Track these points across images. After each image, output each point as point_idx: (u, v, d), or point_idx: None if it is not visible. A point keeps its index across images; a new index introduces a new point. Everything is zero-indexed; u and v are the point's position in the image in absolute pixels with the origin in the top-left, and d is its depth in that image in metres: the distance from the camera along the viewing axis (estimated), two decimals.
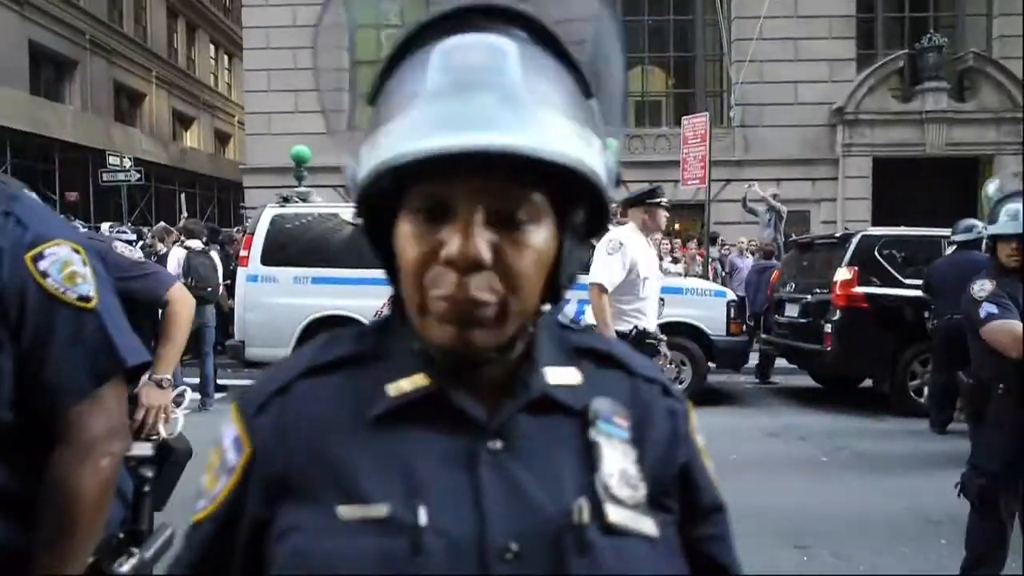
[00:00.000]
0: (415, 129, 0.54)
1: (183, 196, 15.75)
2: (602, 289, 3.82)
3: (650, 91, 15.96)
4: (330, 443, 0.61)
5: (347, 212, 7.03)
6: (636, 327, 3.90)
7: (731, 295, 7.64)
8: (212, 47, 28.54)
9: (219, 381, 7.11)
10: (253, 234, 6.76)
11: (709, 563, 0.69)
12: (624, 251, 3.88)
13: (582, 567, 0.57)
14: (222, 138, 29.17)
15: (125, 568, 1.14)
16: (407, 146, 0.54)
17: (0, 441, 1.03)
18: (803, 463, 5.27)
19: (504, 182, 0.56)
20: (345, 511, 0.57)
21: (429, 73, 0.57)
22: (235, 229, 11.72)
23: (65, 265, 1.07)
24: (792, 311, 7.52)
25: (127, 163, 13.74)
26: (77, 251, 1.10)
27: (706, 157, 10.87)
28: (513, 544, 0.57)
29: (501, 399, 0.62)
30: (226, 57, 29.41)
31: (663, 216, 4.16)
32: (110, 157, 13.87)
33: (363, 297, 6.48)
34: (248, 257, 6.68)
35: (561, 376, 0.65)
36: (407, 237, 0.58)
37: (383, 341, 0.66)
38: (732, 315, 7.22)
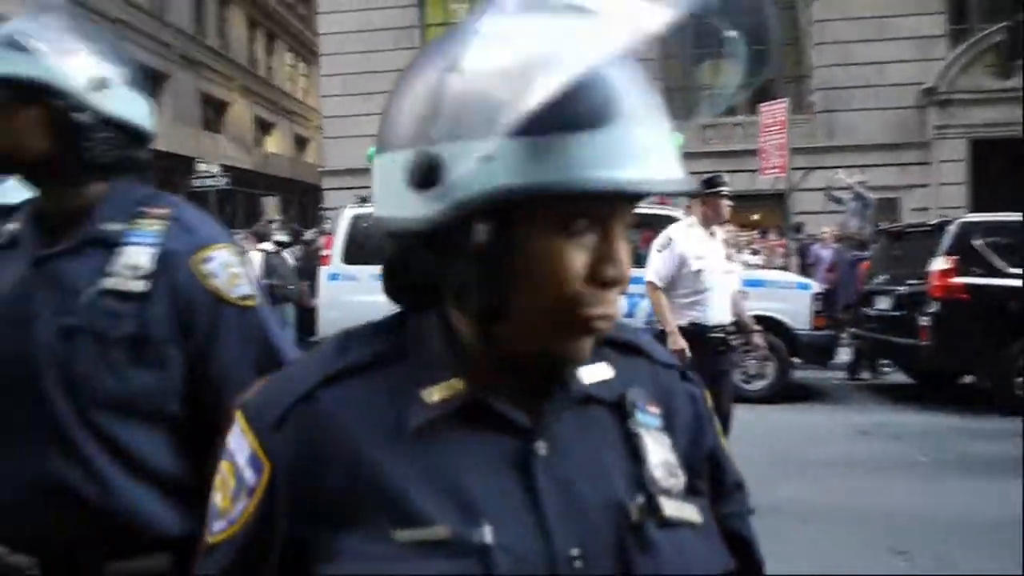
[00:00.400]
0: (605, 155, 0.51)
1: (270, 199, 16.40)
2: (654, 286, 3.96)
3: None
4: (369, 458, 0.56)
5: None
6: (693, 321, 3.90)
7: (816, 287, 7.35)
8: (290, 55, 29.63)
9: None
10: (334, 234, 6.98)
11: (736, 539, 0.70)
12: (672, 247, 3.97)
13: (646, 565, 0.57)
14: (301, 142, 30.24)
15: None
16: (601, 173, 0.51)
17: (171, 433, 1.11)
18: (899, 463, 5.01)
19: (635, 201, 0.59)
20: (403, 535, 0.54)
21: (586, 92, 0.51)
22: (313, 230, 12.13)
23: (228, 267, 1.15)
24: (883, 303, 7.17)
25: (214, 169, 14.43)
26: (235, 254, 1.19)
27: (785, 145, 10.49)
28: (577, 550, 0.56)
29: (540, 400, 0.60)
30: (303, 64, 30.46)
31: (725, 206, 4.10)
32: (199, 164, 14.60)
33: None
34: (329, 256, 6.91)
35: (594, 373, 0.64)
36: (558, 252, 0.54)
37: (400, 340, 0.62)
38: (817, 308, 6.95)
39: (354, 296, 6.69)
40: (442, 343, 0.60)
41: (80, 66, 1.08)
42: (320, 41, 15.01)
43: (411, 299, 0.63)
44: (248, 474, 0.59)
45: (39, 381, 1.03)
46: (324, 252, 7.13)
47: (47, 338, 1.05)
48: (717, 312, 3.96)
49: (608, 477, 0.60)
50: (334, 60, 14.45)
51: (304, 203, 25.20)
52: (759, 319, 6.53)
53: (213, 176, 14.46)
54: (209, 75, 21.22)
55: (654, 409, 0.65)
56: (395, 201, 0.57)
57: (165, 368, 1.09)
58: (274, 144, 27.70)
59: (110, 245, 1.10)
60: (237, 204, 19.14)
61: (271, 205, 16.55)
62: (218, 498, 0.62)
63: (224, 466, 0.62)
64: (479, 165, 0.51)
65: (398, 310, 0.65)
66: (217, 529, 0.61)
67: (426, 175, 0.53)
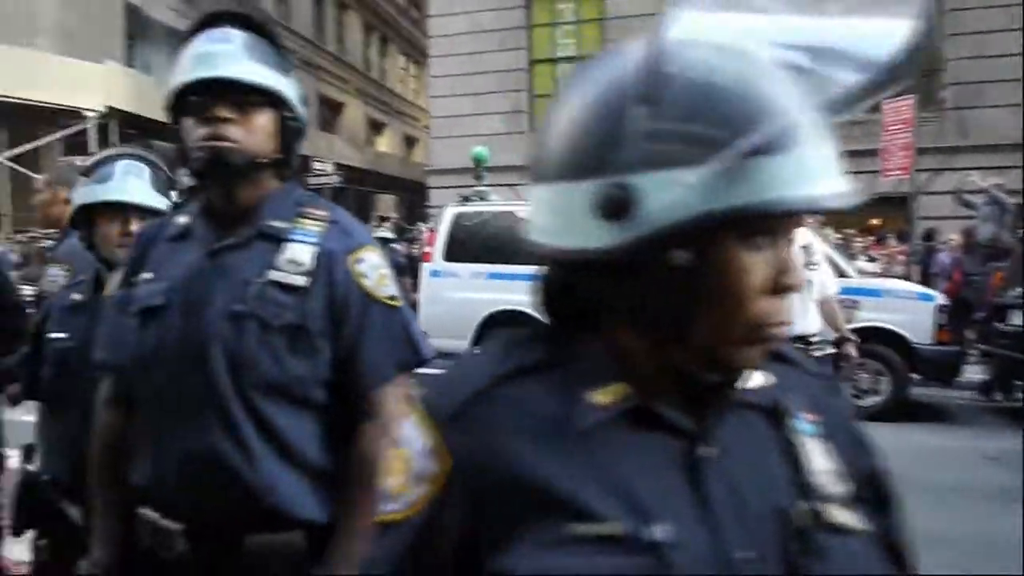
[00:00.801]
0: (797, 175, 0.54)
1: (387, 197, 17.07)
2: None
3: None
4: (539, 455, 0.59)
5: (523, 210, 7.23)
6: None
7: (940, 298, 6.82)
8: (402, 57, 30.62)
9: None
10: (436, 232, 7.18)
11: (895, 551, 0.69)
12: None
13: (817, 570, 0.57)
14: (410, 142, 31.20)
15: None
16: (797, 192, 0.54)
17: (316, 420, 1.20)
18: None
19: None
20: (579, 529, 0.56)
21: (777, 116, 0.54)
22: (417, 228, 12.51)
23: (377, 268, 1.26)
24: (1018, 319, 6.55)
25: (329, 168, 15.17)
26: (382, 256, 1.29)
27: (911, 144, 9.78)
28: (749, 553, 0.57)
29: (701, 406, 0.62)
30: (413, 65, 31.40)
31: None
32: (315, 163, 15.39)
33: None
34: (431, 253, 7.11)
35: (751, 379, 0.64)
36: (746, 268, 0.57)
37: (558, 349, 0.65)
38: (941, 321, 6.44)
39: (454, 293, 6.86)
40: (605, 352, 0.62)
41: (295, 81, 1.27)
42: (430, 43, 15.43)
43: (567, 315, 0.66)
44: (425, 463, 0.62)
45: (208, 361, 1.14)
46: (427, 249, 7.33)
47: (217, 322, 1.15)
48: (805, 320, 3.77)
49: (771, 482, 0.61)
50: (443, 62, 14.82)
51: (412, 201, 25.99)
52: (875, 331, 6.18)
53: (328, 174, 15.20)
54: (327, 78, 22.30)
55: (811, 417, 0.66)
56: (576, 231, 0.58)
57: (316, 358, 1.19)
58: (385, 143, 28.74)
59: (276, 240, 1.21)
60: (349, 201, 20.04)
61: (387, 202, 17.23)
62: (392, 481, 0.65)
63: (398, 452, 0.65)
64: (678, 193, 0.53)
65: (540, 319, 0.68)
66: (392, 509, 0.64)
67: (618, 205, 0.55)
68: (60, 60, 13.28)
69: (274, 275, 1.18)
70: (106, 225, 1.70)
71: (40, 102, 12.71)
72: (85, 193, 1.71)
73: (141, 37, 17.66)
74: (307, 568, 1.19)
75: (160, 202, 1.73)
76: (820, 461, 0.63)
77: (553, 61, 14.07)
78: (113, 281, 1.66)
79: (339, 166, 16.25)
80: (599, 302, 0.62)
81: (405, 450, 0.64)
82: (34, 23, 14.23)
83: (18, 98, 12.20)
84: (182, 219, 1.28)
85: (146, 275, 1.24)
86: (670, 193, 0.53)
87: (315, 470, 1.21)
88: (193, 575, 1.17)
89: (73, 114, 13.23)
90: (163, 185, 1.76)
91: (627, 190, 0.54)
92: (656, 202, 0.54)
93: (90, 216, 1.72)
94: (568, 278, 0.63)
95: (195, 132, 1.16)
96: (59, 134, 12.94)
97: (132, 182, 1.69)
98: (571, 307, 0.65)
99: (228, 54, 1.17)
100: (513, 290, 6.80)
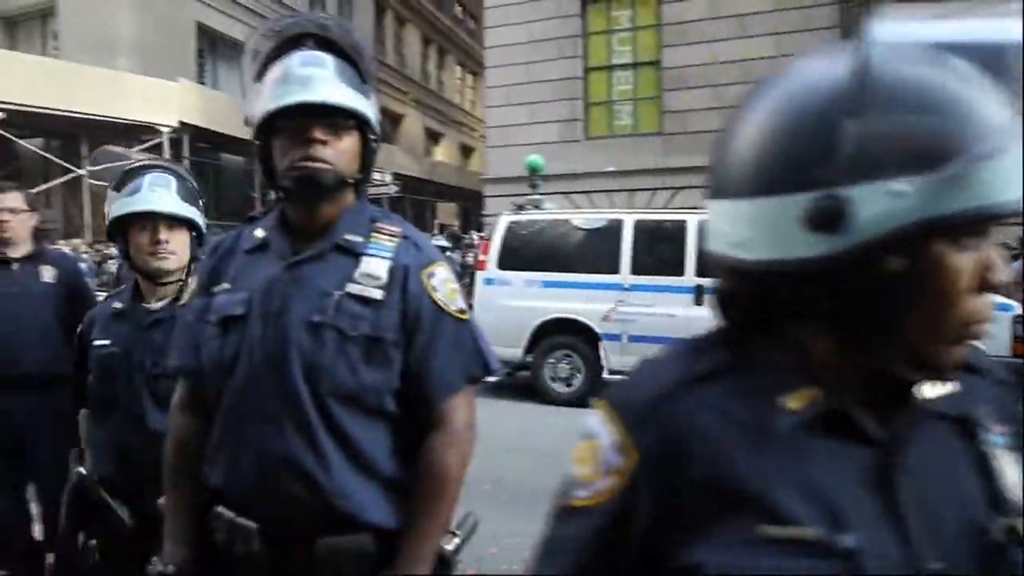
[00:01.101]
0: (1006, 179, 0.55)
1: (449, 205, 17.31)
2: None
3: None
4: (731, 456, 0.60)
5: (577, 218, 7.24)
6: None
7: (1019, 308, 6.46)
8: (459, 68, 31.00)
9: None
10: (490, 240, 7.24)
11: None
12: None
13: None
14: (466, 151, 31.53)
15: (450, 547, 1.30)
16: (1009, 196, 0.55)
17: (386, 429, 1.25)
18: None
19: None
20: (771, 531, 0.57)
21: (990, 121, 0.55)
22: (471, 235, 12.62)
23: (447, 282, 1.30)
24: None
25: (387, 178, 15.49)
26: (451, 271, 1.34)
27: None
28: (940, 565, 0.57)
29: (889, 411, 0.62)
30: (470, 76, 31.75)
31: None
32: (374, 173, 15.73)
33: (589, 301, 6.68)
34: (486, 261, 7.17)
35: (938, 387, 0.64)
36: (958, 270, 0.58)
37: (737, 352, 0.66)
38: (1018, 332, 6.10)
39: (508, 300, 6.91)
40: (792, 357, 0.64)
41: (375, 103, 1.32)
42: (486, 54, 15.60)
43: (744, 322, 0.67)
44: (612, 457, 0.64)
45: (287, 369, 1.19)
46: (481, 257, 7.40)
47: (296, 332, 1.20)
48: None
49: (964, 494, 0.61)
50: (498, 72, 14.97)
51: (468, 209, 26.25)
52: None
53: (386, 184, 15.53)
54: (387, 90, 22.81)
55: (1000, 428, 0.65)
56: (780, 243, 0.59)
57: (389, 369, 1.23)
58: (442, 153, 29.13)
59: (352, 254, 1.26)
60: (406, 209, 20.38)
61: (448, 210, 17.47)
62: (581, 470, 0.68)
63: (587, 444, 0.68)
64: (894, 202, 0.54)
65: (718, 327, 0.70)
66: (581, 495, 0.67)
67: (830, 217, 0.56)
68: (138, 79, 14.02)
69: (351, 288, 1.23)
70: (137, 235, 1.76)
71: (119, 118, 13.44)
72: (117, 206, 1.76)
73: (211, 54, 18.46)
74: (376, 570, 1.23)
75: (187, 211, 1.78)
76: (1013, 474, 0.62)
77: (608, 68, 14.02)
78: (188, 290, 1.72)
79: (397, 176, 16.57)
80: (786, 308, 0.63)
81: (595, 442, 0.67)
82: (115, 45, 15.06)
83: (101, 115, 12.92)
84: (259, 232, 1.33)
85: (224, 285, 1.30)
86: (886, 202, 0.54)
87: (385, 479, 1.25)
88: (266, 573, 1.23)
89: (149, 129, 13.94)
90: (189, 194, 1.80)
91: (840, 201, 0.55)
92: (871, 212, 0.55)
93: (124, 228, 1.78)
94: (751, 287, 0.64)
95: (291, 153, 1.21)
96: (136, 148, 13.62)
97: (159, 193, 1.74)
98: (750, 314, 0.66)
99: (324, 79, 1.21)
100: (566, 298, 6.81)
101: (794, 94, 0.60)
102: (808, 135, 0.57)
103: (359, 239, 1.28)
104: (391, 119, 23.95)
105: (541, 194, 8.42)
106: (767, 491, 0.58)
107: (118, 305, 1.85)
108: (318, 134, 1.20)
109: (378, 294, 1.23)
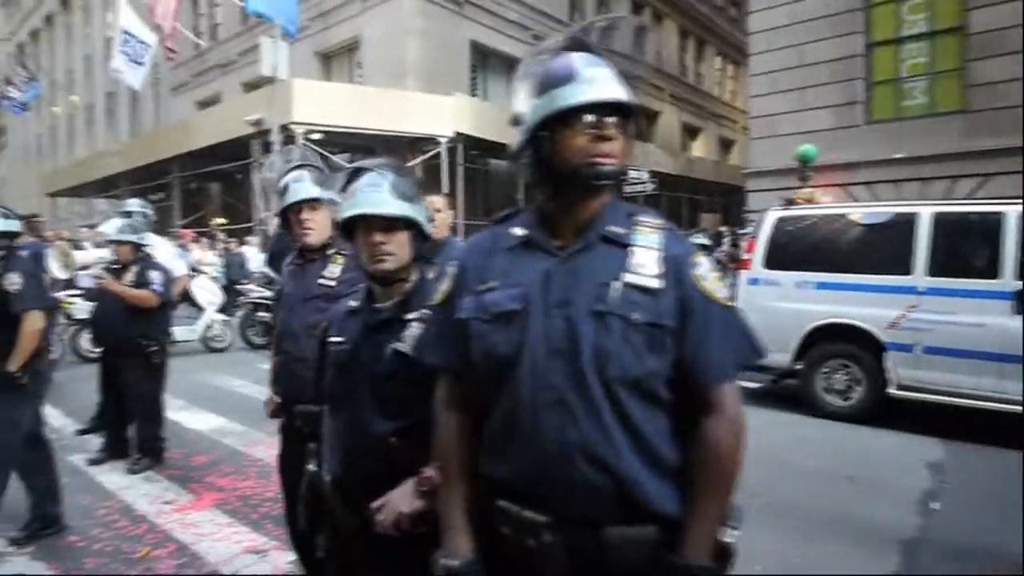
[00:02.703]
0: None
1: (711, 216, 16.93)
2: None
3: None
4: None
5: (856, 212, 6.49)
6: None
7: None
8: (718, 59, 29.78)
9: None
10: (756, 238, 6.80)
11: None
12: None
13: None
14: (726, 145, 30.18)
15: (729, 538, 1.28)
16: None
17: (664, 415, 1.28)
18: None
19: None
20: None
21: None
22: (730, 230, 12.00)
23: (711, 271, 1.34)
24: None
25: (644, 176, 15.43)
26: (712, 261, 1.38)
27: None
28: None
29: None
30: (731, 66, 30.31)
31: None
32: (631, 171, 15.80)
33: (871, 305, 5.92)
34: (750, 260, 6.75)
35: None
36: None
37: None
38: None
39: (775, 302, 6.42)
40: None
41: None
42: (750, 41, 14.71)
43: None
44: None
45: (577, 358, 1.24)
46: (745, 256, 6.98)
47: (582, 321, 1.26)
48: None
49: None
50: (763, 58, 14.03)
51: (726, 205, 25.12)
52: None
53: (643, 182, 15.49)
54: (645, 88, 22.69)
55: None
56: None
57: (666, 356, 1.26)
58: (699, 148, 28.23)
59: (620, 245, 1.31)
60: (661, 207, 20.10)
61: (709, 221, 17.01)
62: None
63: None
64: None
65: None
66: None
67: None
68: (421, 96, 15.72)
69: (629, 277, 1.27)
70: (360, 236, 1.74)
71: (406, 132, 15.20)
72: (341, 210, 1.79)
73: (482, 68, 20.00)
74: (658, 560, 1.23)
75: (403, 209, 1.72)
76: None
77: (897, 42, 12.34)
78: (432, 289, 1.73)
79: (653, 173, 16.42)
80: None
81: None
82: (404, 68, 17.06)
83: (393, 131, 14.72)
84: (517, 230, 1.38)
85: (491, 283, 1.34)
86: None
87: (666, 465, 1.26)
88: (553, 565, 1.25)
89: (430, 140, 15.53)
90: (406, 193, 1.76)
91: None
92: None
93: (351, 230, 1.78)
94: None
95: (589, 148, 1.26)
96: (419, 159, 15.27)
97: (373, 194, 1.72)
98: None
99: (611, 78, 1.29)
100: (844, 301, 6.13)
101: None
102: None
103: (623, 231, 1.32)
104: (647, 116, 23.80)
105: (814, 187, 7.71)
106: None
107: (353, 304, 1.87)
108: (611, 131, 1.27)
109: (656, 283, 1.27)
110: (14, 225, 3.61)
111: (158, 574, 3.26)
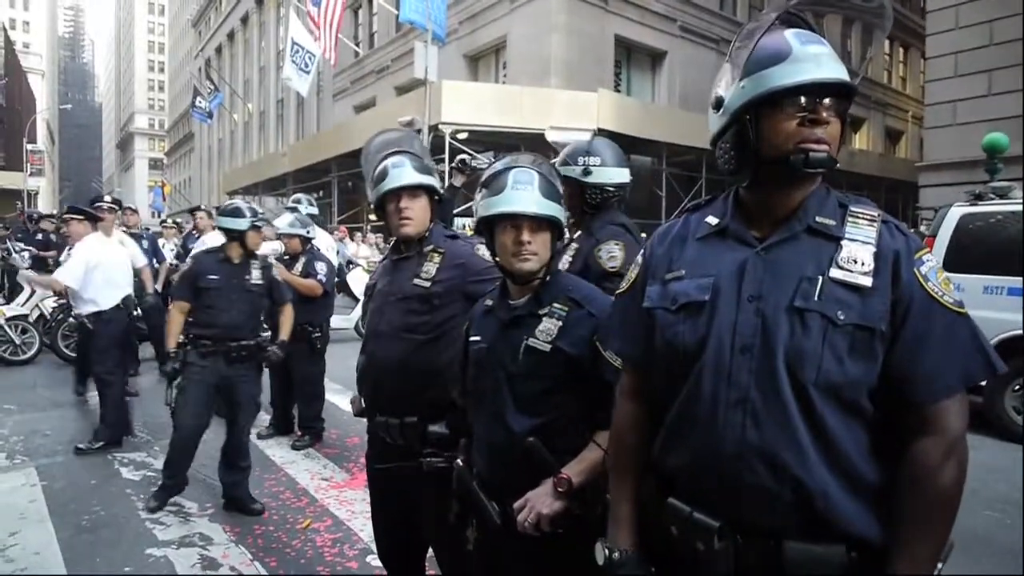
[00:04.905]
0: None
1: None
2: None
3: None
4: None
5: None
6: None
7: None
8: (887, 43, 27.41)
9: None
10: (934, 236, 6.13)
11: None
12: None
13: None
14: (893, 136, 27.76)
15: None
16: None
17: (864, 428, 1.15)
18: None
19: None
20: None
21: None
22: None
23: (940, 271, 1.18)
24: None
25: None
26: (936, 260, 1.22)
27: None
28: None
29: None
30: (901, 50, 27.81)
31: None
32: None
33: None
34: None
35: None
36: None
37: None
38: None
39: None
40: None
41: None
42: (928, 19, 13.35)
43: None
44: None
45: (769, 355, 1.15)
46: None
47: (777, 317, 1.16)
48: None
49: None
50: (944, 39, 12.66)
51: (891, 201, 23.07)
52: None
53: None
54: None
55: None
56: None
57: (872, 362, 1.13)
58: (862, 140, 26.15)
59: (829, 238, 1.19)
60: None
61: None
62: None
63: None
64: None
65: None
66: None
67: None
68: (565, 93, 15.75)
69: (835, 273, 1.15)
70: (501, 235, 1.71)
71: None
72: (483, 206, 1.74)
73: (626, 63, 19.71)
74: None
75: (550, 209, 1.69)
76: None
77: None
78: (564, 284, 1.73)
79: None
80: None
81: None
82: (548, 67, 17.17)
83: (536, 128, 14.89)
84: (711, 219, 1.31)
85: (678, 272, 1.28)
86: None
87: (864, 483, 1.13)
88: (720, 572, 1.16)
89: None
90: (552, 192, 1.73)
91: None
92: None
93: (490, 226, 1.75)
94: None
95: (801, 132, 1.16)
96: (558, 158, 15.32)
97: (522, 192, 1.68)
98: None
99: (830, 56, 1.18)
100: None
101: None
102: None
103: (833, 222, 1.20)
104: None
105: (1005, 180, 6.83)
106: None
107: (489, 302, 1.85)
108: (826, 115, 1.16)
109: (866, 281, 1.14)
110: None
111: (317, 545, 3.48)
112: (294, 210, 6.03)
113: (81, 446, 4.87)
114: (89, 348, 5.22)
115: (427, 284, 2.20)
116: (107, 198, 5.89)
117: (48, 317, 8.15)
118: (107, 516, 3.79)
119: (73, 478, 4.36)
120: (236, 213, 3.95)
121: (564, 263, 2.38)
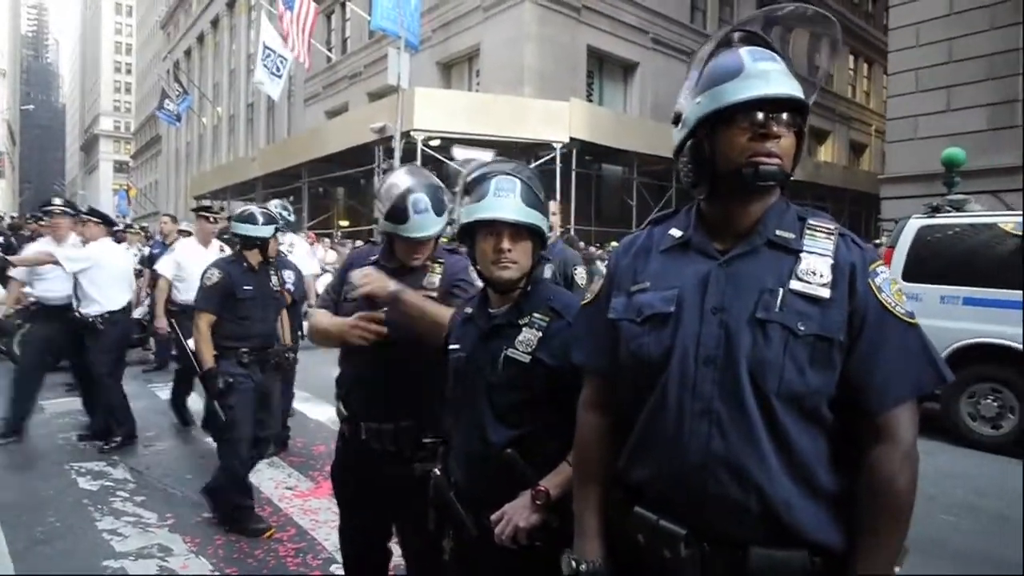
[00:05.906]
0: None
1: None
2: None
3: None
4: None
5: (1011, 222, 5.85)
6: None
7: None
8: (851, 58, 28.07)
9: None
10: (894, 247, 6.29)
11: None
12: None
13: None
14: (857, 149, 28.38)
15: None
16: None
17: (823, 437, 1.17)
18: None
19: None
20: None
21: None
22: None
23: (892, 283, 1.21)
24: None
25: None
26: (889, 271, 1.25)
27: None
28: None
29: None
30: (865, 66, 28.49)
31: None
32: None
33: None
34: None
35: None
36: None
37: None
38: None
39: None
40: None
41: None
42: (890, 36, 13.71)
43: None
44: None
45: (732, 366, 1.16)
46: None
47: (739, 328, 1.17)
48: None
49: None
50: (905, 55, 13.02)
51: (854, 213, 23.58)
52: None
53: None
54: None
55: None
56: None
57: (831, 372, 1.16)
58: (827, 152, 26.70)
59: (787, 251, 1.22)
60: None
61: None
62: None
63: None
64: None
65: None
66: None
67: None
68: (538, 102, 15.83)
69: (796, 285, 1.18)
70: (482, 242, 1.68)
71: (522, 138, 15.36)
72: (464, 213, 1.70)
73: (598, 73, 19.90)
74: None
75: (531, 217, 1.65)
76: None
77: None
78: (545, 293, 1.70)
79: None
80: None
81: None
82: (522, 75, 17.25)
83: (509, 136, 14.95)
84: (675, 232, 1.33)
85: (642, 284, 1.30)
86: None
87: (825, 491, 1.15)
88: None
89: (545, 146, 15.60)
90: (534, 200, 1.68)
91: None
92: None
93: (471, 233, 1.71)
94: None
95: (751, 147, 1.18)
96: (535, 164, 15.39)
97: (504, 199, 1.64)
98: None
99: (782, 72, 1.21)
100: (995, 319, 5.56)
101: None
102: None
103: (792, 235, 1.23)
104: None
105: (962, 194, 7.03)
106: None
107: (468, 310, 1.81)
108: (778, 130, 1.18)
109: (825, 292, 1.17)
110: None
111: (280, 555, 3.42)
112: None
113: (104, 447, 5.04)
114: (93, 348, 5.23)
115: (433, 295, 2.15)
116: (57, 200, 5.71)
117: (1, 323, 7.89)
118: (63, 527, 3.69)
119: (27, 488, 4.25)
120: (253, 219, 3.88)
121: (547, 272, 2.35)
